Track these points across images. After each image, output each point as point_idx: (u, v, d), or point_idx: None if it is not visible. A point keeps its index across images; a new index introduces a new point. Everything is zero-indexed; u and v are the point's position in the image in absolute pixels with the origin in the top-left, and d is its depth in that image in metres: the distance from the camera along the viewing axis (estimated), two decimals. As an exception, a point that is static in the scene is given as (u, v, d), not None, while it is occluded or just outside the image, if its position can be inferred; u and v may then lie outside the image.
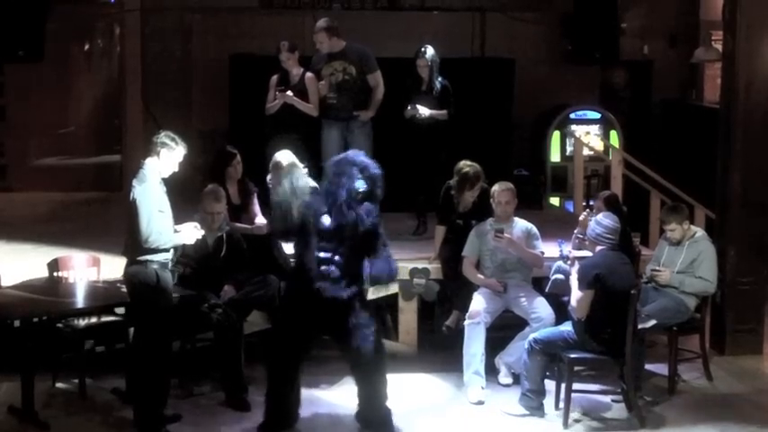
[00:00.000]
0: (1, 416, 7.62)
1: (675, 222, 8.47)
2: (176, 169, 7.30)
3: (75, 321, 7.96)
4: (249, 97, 10.71)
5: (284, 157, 8.82)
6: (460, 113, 10.16)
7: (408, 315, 9.10)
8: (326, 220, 7.13)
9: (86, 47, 14.48)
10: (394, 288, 8.96)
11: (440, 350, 8.90)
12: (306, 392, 7.53)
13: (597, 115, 14.00)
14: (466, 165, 8.86)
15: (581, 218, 8.86)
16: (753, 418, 7.95)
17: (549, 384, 7.88)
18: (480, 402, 8.05)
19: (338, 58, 9.90)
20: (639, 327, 7.89)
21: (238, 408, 7.83)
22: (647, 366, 8.53)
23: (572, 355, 7.61)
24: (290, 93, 9.72)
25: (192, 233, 7.41)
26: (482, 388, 8.14)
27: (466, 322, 8.25)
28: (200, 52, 13.33)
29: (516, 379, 8.19)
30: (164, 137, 7.26)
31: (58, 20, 12.57)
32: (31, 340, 7.48)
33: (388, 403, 7.35)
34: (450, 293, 8.83)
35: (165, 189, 7.23)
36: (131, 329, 7.71)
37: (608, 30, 13.49)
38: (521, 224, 8.62)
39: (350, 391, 7.69)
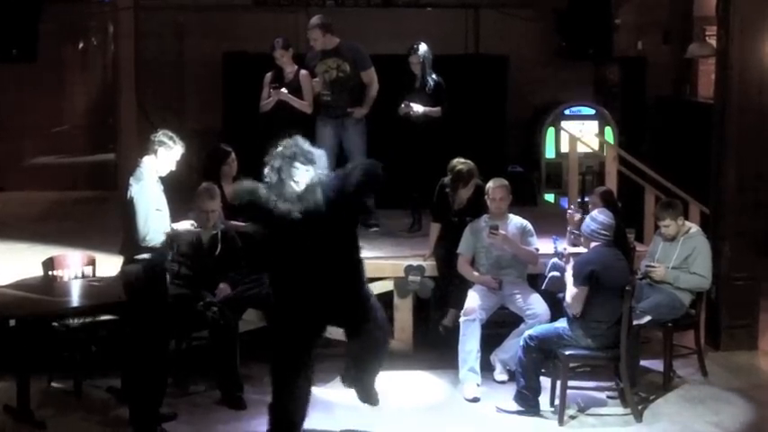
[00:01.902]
0: (-3, 415, 7.64)
1: (670, 218, 8.48)
2: (174, 168, 7.29)
3: (71, 320, 7.96)
4: (243, 95, 10.70)
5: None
6: (454, 110, 10.16)
7: (403, 313, 9.10)
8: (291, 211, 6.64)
9: (80, 46, 14.45)
10: (389, 285, 8.99)
11: (435, 347, 8.91)
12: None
13: (591, 111, 14.02)
14: (459, 162, 8.86)
15: (568, 216, 8.88)
16: (748, 413, 7.97)
17: (545, 381, 7.89)
18: (476, 399, 8.05)
19: (332, 55, 9.90)
20: (634, 323, 7.89)
21: (234, 406, 7.83)
22: (642, 362, 8.53)
23: (567, 352, 7.62)
24: (284, 90, 9.72)
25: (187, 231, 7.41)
26: (477, 385, 8.14)
27: (461, 319, 8.26)
28: (193, 50, 13.34)
29: (512, 376, 8.19)
30: (161, 135, 7.25)
31: (51, 19, 12.54)
32: (26, 339, 7.48)
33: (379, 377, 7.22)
34: (446, 291, 8.83)
35: (162, 188, 7.22)
36: (127, 328, 7.70)
37: (601, 26, 13.48)
38: (515, 221, 8.62)
39: (345, 390, 7.69)
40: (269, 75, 9.93)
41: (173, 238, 7.48)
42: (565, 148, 13.42)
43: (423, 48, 10.01)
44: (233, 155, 8.96)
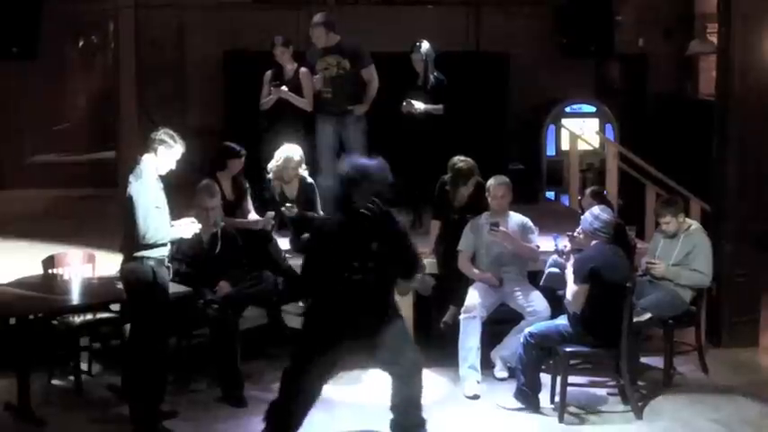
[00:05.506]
0: (-3, 413, 7.64)
1: (670, 215, 8.47)
2: (173, 167, 7.29)
3: (71, 318, 7.97)
4: (244, 93, 10.71)
5: (296, 151, 8.89)
6: (455, 108, 10.15)
7: (404, 310, 9.01)
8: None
9: (81, 44, 14.46)
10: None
11: (435, 344, 8.88)
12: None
13: (592, 109, 14.01)
14: (459, 160, 8.86)
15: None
16: (749, 409, 7.96)
17: (545, 378, 7.88)
18: (476, 396, 8.05)
19: (332, 52, 9.89)
20: (635, 320, 7.88)
21: (234, 404, 7.82)
22: (643, 359, 8.53)
23: (567, 349, 7.62)
24: (284, 88, 9.73)
25: (188, 227, 7.40)
26: (477, 382, 8.14)
27: (461, 316, 8.26)
28: (194, 49, 13.34)
29: (512, 373, 8.19)
30: (162, 134, 7.24)
31: (52, 17, 12.54)
32: (26, 337, 7.48)
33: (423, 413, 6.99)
34: (446, 288, 8.82)
35: (162, 186, 7.22)
36: (127, 326, 7.71)
37: (603, 23, 13.48)
38: (516, 218, 8.62)
39: (348, 388, 7.69)
40: (269, 73, 9.94)
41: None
42: (566, 146, 13.43)
43: (425, 46, 10.01)
44: (242, 159, 8.93)
